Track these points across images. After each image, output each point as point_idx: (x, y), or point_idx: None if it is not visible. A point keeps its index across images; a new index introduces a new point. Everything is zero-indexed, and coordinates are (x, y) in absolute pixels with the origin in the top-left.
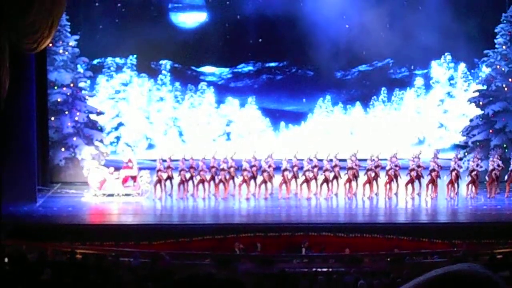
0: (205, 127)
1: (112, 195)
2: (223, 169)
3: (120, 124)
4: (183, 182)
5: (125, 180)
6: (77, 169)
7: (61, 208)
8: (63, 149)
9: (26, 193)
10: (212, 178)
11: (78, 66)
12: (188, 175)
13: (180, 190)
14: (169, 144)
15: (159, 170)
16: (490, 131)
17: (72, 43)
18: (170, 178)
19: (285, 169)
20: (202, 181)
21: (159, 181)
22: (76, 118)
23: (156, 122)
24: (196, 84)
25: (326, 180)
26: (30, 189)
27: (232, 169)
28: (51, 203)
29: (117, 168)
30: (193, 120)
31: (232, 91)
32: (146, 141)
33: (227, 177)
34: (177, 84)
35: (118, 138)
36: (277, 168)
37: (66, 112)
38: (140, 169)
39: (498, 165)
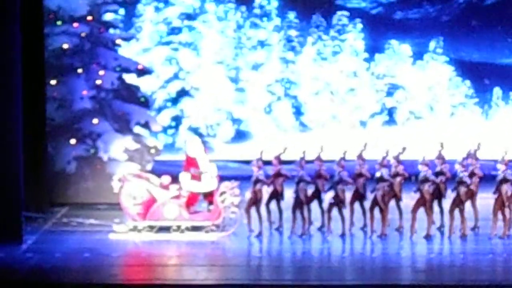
0: (346, 98)
1: (167, 228)
2: (381, 179)
3: (183, 94)
4: (302, 204)
5: (191, 201)
6: (100, 178)
7: (68, 254)
8: (73, 141)
9: (3, 228)
10: (359, 196)
11: None
12: (312, 192)
13: (297, 219)
14: (275, 132)
15: (258, 180)
16: None
17: None
18: (278, 195)
19: None
20: (340, 203)
21: (255, 201)
22: (98, 82)
23: (250, 89)
24: (329, 15)
25: None
26: (9, 220)
27: (398, 180)
28: (50, 245)
29: (176, 178)
30: (321, 85)
31: (396, 28)
32: (232, 127)
33: (388, 193)
34: (291, 15)
35: (177, 119)
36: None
37: (79, 71)
38: (221, 179)
39: None
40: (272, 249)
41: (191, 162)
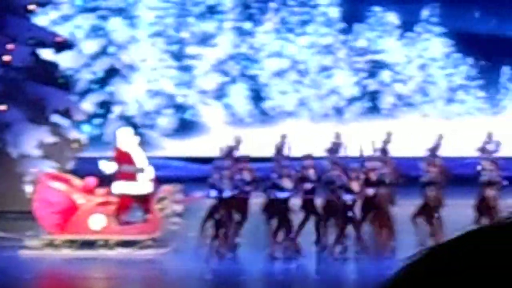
0: (317, 80)
1: (92, 244)
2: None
3: (113, 73)
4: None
5: (123, 208)
6: (8, 180)
7: None
8: None
9: None
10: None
11: None
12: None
13: (280, 236)
14: (228, 123)
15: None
16: None
17: None
18: (239, 207)
19: None
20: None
21: (214, 212)
22: (6, 59)
23: (197, 68)
24: None
25: None
26: None
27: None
28: None
29: (104, 181)
30: (285, 63)
31: None
32: (175, 115)
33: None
34: None
35: (106, 106)
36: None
37: None
38: (160, 181)
39: None
40: (223, 269)
41: (122, 158)
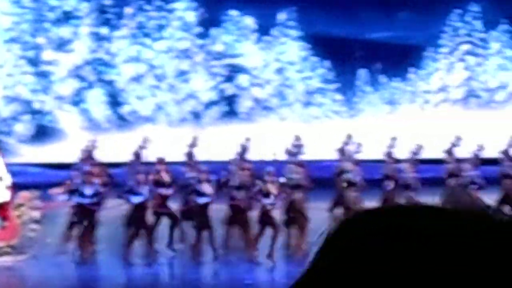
0: (174, 84)
1: None
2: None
3: None
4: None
5: None
6: None
7: None
8: None
9: None
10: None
11: None
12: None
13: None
14: (86, 128)
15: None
16: None
17: None
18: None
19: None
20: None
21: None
22: None
23: (54, 73)
24: None
25: None
26: None
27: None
28: None
29: None
30: (143, 68)
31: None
32: (32, 121)
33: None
34: None
35: None
36: None
37: None
38: (18, 187)
39: None
40: (72, 276)
41: None
